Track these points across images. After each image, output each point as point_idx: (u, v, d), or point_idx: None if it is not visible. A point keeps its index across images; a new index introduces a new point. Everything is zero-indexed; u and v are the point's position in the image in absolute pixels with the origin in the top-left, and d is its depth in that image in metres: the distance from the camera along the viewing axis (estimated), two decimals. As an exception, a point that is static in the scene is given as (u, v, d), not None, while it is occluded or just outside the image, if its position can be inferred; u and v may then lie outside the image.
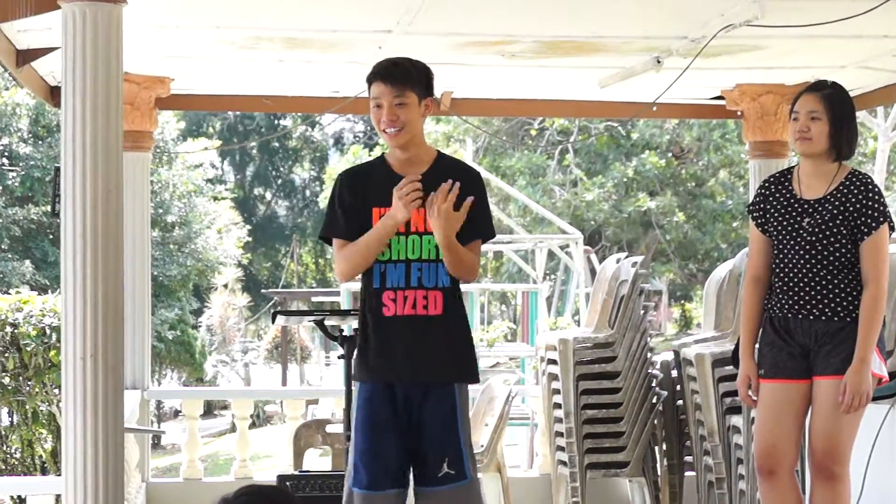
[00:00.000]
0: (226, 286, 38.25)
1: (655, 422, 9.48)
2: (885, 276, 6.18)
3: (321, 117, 34.28)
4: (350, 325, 6.71)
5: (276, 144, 49.90)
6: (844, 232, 6.17)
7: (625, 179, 28.51)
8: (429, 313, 5.83)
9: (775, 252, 6.30)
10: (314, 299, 38.42)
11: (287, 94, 11.76)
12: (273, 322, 8.28)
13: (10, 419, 13.46)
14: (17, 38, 9.05)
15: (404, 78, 5.79)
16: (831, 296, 6.17)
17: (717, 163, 28.77)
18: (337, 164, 42.88)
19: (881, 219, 6.17)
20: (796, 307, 6.21)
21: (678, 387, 9.51)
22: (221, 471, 13.07)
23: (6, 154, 29.96)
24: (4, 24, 8.38)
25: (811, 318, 6.20)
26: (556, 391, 9.63)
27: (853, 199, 6.18)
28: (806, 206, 6.25)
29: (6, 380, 12.99)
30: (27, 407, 13.14)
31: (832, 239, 6.17)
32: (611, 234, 29.14)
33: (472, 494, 5.93)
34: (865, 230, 6.15)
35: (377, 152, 34.54)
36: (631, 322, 9.38)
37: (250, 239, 38.94)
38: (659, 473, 9.57)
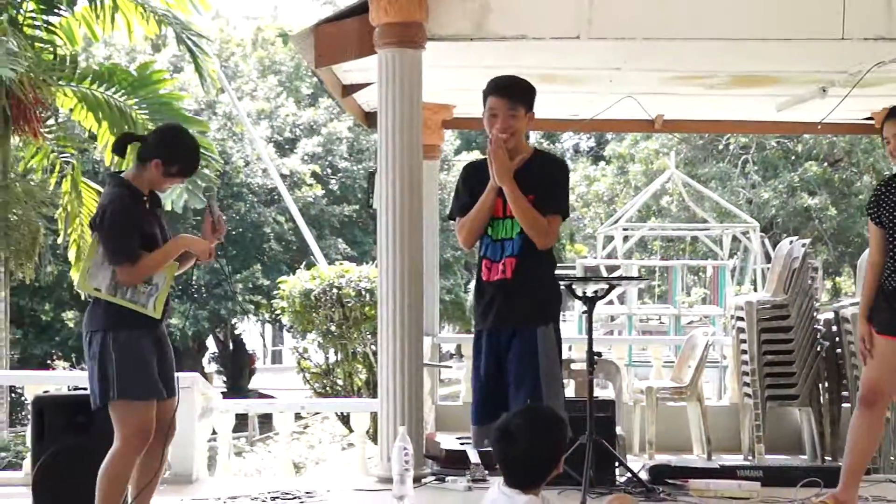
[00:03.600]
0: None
1: (820, 365, 9.28)
2: None
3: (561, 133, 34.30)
4: (592, 288, 6.68)
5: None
6: None
7: (791, 182, 27.93)
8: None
9: (888, 239, 6.06)
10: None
11: (540, 116, 11.76)
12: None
13: (335, 357, 13.73)
14: (343, 76, 9.25)
15: (517, 95, 5.68)
16: None
17: (864, 168, 27.96)
18: (572, 171, 42.69)
19: None
20: None
21: (837, 339, 9.34)
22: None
23: (329, 167, 30.61)
24: (335, 66, 8.57)
25: None
26: (743, 340, 9.55)
27: None
28: None
29: (333, 328, 13.29)
30: (348, 348, 13.42)
31: None
32: (780, 224, 28.51)
33: None
34: None
35: (601, 164, 34.42)
36: (801, 289, 9.22)
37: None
38: (822, 404, 9.35)
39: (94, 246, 5.45)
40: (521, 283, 5.59)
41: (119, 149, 5.77)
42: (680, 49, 8.10)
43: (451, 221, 5.91)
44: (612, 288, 7.21)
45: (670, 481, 6.93)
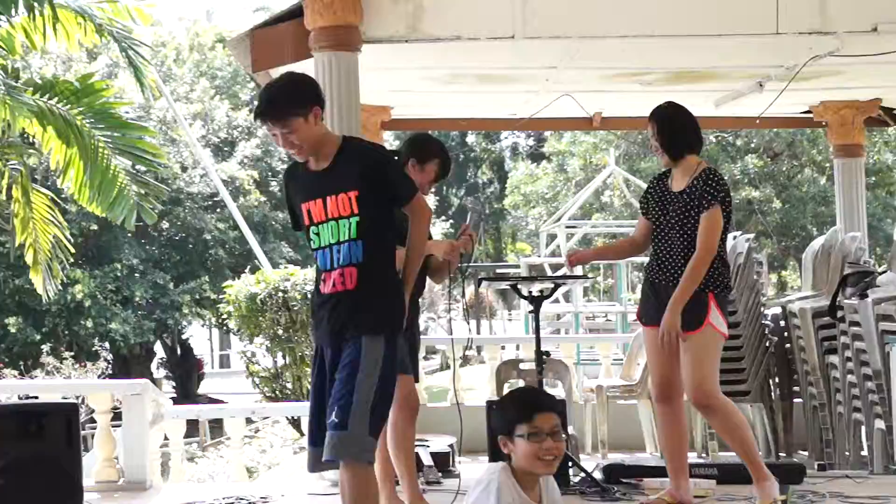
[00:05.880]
0: (433, 262, 38.46)
1: (769, 360, 9.31)
2: None
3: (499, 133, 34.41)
4: (538, 287, 6.68)
5: (462, 155, 49.98)
6: None
7: (733, 176, 28.16)
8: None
9: (654, 231, 6.10)
10: (497, 270, 38.68)
11: (477, 117, 11.80)
12: (479, 286, 8.24)
13: (284, 360, 13.68)
14: (278, 81, 9.18)
15: (282, 112, 4.63)
16: None
17: (805, 161, 28.25)
18: (511, 169, 42.82)
19: None
20: None
21: (785, 333, 9.33)
22: (437, 398, 13.12)
23: (269, 170, 30.52)
24: (272, 70, 8.51)
25: None
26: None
27: None
28: None
29: (280, 332, 13.23)
30: (296, 352, 13.35)
31: None
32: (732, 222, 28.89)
33: None
34: None
35: (543, 163, 34.50)
36: (747, 284, 9.19)
37: (452, 230, 39.08)
38: (773, 399, 9.38)
39: None
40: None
41: None
42: (615, 46, 8.13)
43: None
44: (557, 287, 7.20)
45: (625, 480, 6.92)
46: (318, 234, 4.73)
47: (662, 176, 6.18)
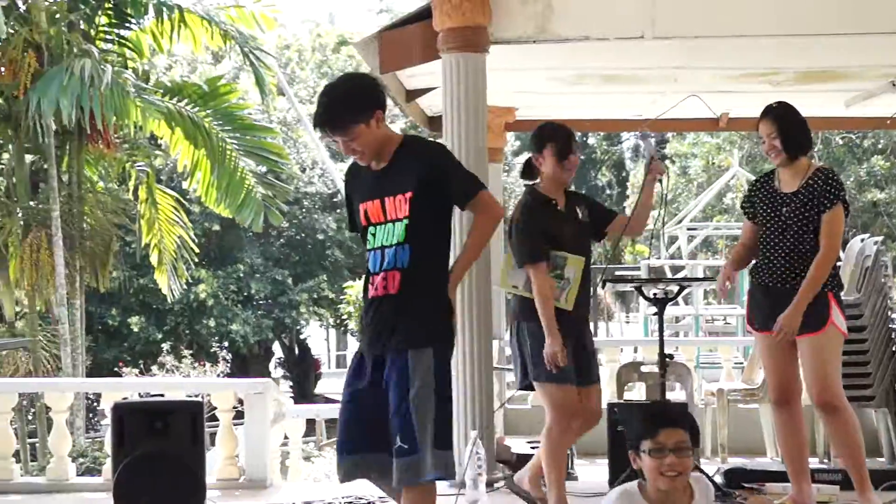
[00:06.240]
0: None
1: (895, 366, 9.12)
2: None
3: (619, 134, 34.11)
4: (662, 290, 6.63)
5: (583, 157, 49.79)
6: None
7: (859, 177, 27.59)
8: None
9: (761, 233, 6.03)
10: (617, 273, 38.22)
11: (602, 118, 11.75)
12: (603, 287, 8.21)
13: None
14: (406, 81, 9.28)
15: (343, 121, 4.46)
16: None
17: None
18: (633, 170, 42.52)
19: None
20: None
21: (914, 337, 9.15)
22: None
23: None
24: (399, 71, 8.60)
25: None
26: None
27: None
28: None
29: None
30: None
31: None
32: (848, 220, 28.25)
33: None
34: None
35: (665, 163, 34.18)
36: (874, 287, 9.03)
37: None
38: (899, 405, 9.19)
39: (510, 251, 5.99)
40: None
41: (527, 171, 6.19)
42: (744, 46, 8.03)
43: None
44: (682, 289, 7.16)
45: (746, 485, 6.86)
46: (374, 235, 4.57)
47: (766, 178, 6.15)
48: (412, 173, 4.48)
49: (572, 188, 6.18)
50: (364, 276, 4.66)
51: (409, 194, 4.46)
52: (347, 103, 4.47)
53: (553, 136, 5.99)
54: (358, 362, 4.62)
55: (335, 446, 4.62)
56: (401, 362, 4.42)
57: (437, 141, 5.44)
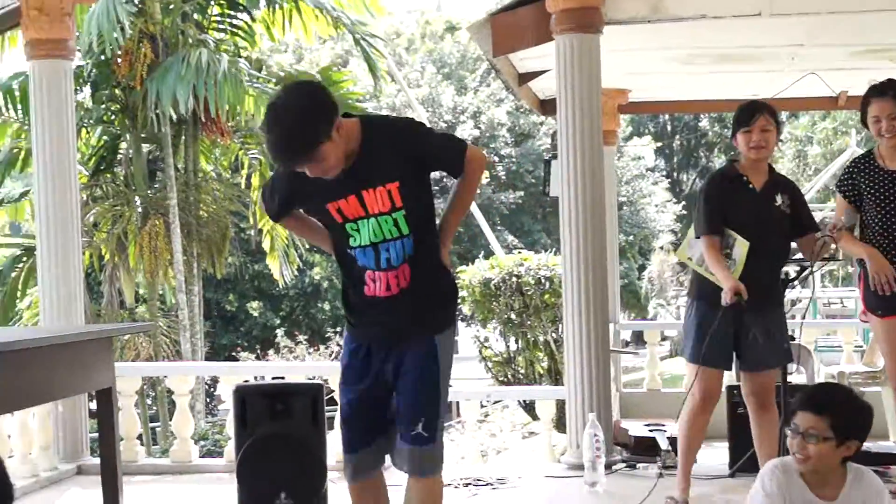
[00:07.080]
0: (661, 248, 38.15)
1: None
2: None
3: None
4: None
5: (693, 140, 49.15)
6: None
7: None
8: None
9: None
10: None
11: (715, 98, 11.58)
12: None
13: (516, 345, 13.75)
14: (519, 64, 9.24)
15: (305, 152, 3.96)
16: None
17: None
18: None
19: None
20: None
21: None
22: (668, 385, 13.00)
23: (494, 154, 30.79)
24: (511, 55, 8.58)
25: None
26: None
27: None
28: None
29: (513, 316, 13.33)
30: (528, 336, 13.43)
31: None
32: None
33: None
34: None
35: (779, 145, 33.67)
36: None
37: (685, 213, 38.49)
38: None
39: None
40: None
41: None
42: (866, 22, 7.86)
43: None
44: (803, 270, 7.02)
45: (870, 468, 6.73)
46: (357, 231, 4.16)
47: (865, 158, 5.97)
48: (390, 162, 4.11)
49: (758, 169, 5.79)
50: (347, 273, 4.32)
51: (395, 184, 4.11)
52: (303, 128, 3.95)
53: (738, 114, 5.77)
54: (362, 360, 4.33)
55: (342, 447, 4.42)
56: (426, 349, 4.22)
57: (401, 117, 4.75)
